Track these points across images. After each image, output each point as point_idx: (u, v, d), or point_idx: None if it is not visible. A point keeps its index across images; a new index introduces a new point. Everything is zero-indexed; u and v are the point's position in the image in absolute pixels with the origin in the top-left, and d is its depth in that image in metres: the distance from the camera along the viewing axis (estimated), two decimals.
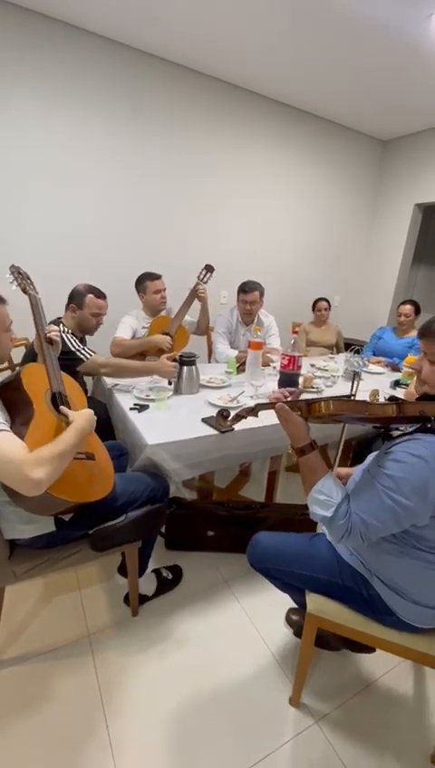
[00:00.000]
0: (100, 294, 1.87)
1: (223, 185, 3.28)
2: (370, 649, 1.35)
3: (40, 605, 1.50)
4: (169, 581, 1.60)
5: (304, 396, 1.95)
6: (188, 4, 2.17)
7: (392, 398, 0.95)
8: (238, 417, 1.11)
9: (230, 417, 1.11)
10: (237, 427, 1.46)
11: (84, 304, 1.82)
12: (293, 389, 1.11)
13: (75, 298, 1.84)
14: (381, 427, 1.06)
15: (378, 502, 0.87)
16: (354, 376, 1.08)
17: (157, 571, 1.61)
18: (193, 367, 1.83)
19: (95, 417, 1.17)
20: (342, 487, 0.96)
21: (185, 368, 1.81)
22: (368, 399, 1.16)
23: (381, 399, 1.22)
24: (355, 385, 1.04)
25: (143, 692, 1.23)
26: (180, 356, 1.82)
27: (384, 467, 0.88)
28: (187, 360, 1.81)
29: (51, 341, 1.33)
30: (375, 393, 1.82)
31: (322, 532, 1.26)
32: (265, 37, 2.42)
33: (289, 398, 1.05)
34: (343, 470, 1.26)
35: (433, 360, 0.91)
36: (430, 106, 3.18)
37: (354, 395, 1.04)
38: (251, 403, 1.11)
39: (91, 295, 1.83)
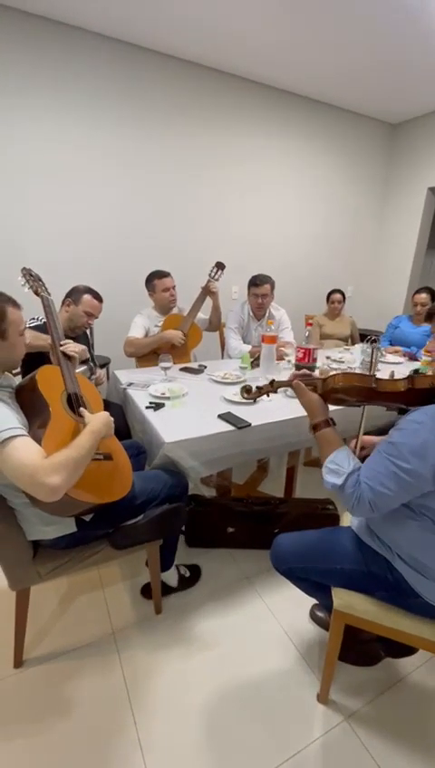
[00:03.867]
0: (97, 296, 1.90)
1: (230, 179, 3.25)
2: (411, 650, 1.32)
3: (65, 604, 1.52)
4: (186, 579, 1.59)
5: None
6: None
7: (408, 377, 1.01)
8: (260, 391, 1.19)
9: (253, 391, 1.20)
10: (254, 422, 1.46)
11: (80, 301, 1.85)
12: (309, 372, 1.22)
13: (73, 295, 1.87)
14: (405, 409, 1.05)
15: (382, 468, 0.90)
16: (373, 351, 1.15)
17: (175, 567, 1.61)
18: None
19: (112, 419, 1.16)
20: (355, 459, 1.00)
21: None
22: None
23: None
24: (374, 356, 1.13)
25: (170, 690, 1.23)
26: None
27: (389, 437, 0.93)
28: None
29: (69, 357, 1.34)
30: (392, 374, 1.80)
31: (343, 525, 1.24)
32: (266, 23, 2.37)
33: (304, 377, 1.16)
34: (368, 438, 1.30)
35: None
36: None
37: (373, 368, 1.11)
38: (261, 404, 1.25)
39: (88, 295, 1.87)
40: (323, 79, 3.07)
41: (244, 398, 1.24)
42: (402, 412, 1.12)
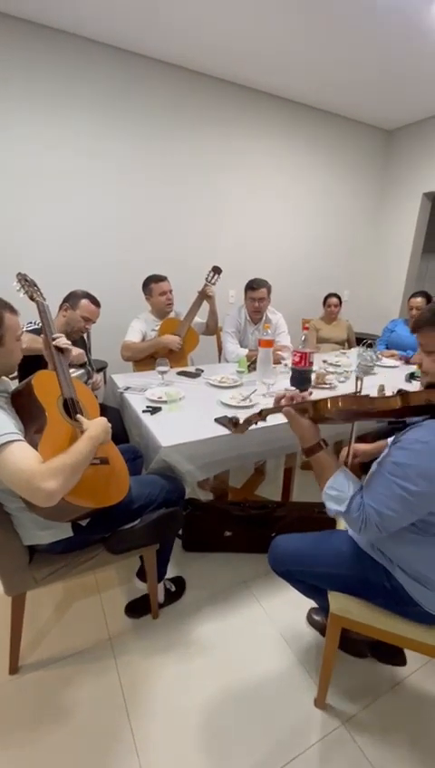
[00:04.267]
0: (95, 302, 1.91)
1: (227, 184, 3.28)
2: (400, 661, 1.33)
3: (61, 609, 1.51)
4: (172, 593, 1.56)
5: (315, 394, 1.93)
6: (185, 5, 2.17)
7: (399, 392, 0.95)
8: (248, 423, 1.12)
9: (240, 423, 1.13)
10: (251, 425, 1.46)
11: (78, 306, 1.85)
12: (296, 391, 1.12)
13: (70, 299, 1.88)
14: (394, 421, 1.04)
15: (388, 491, 0.87)
16: (357, 378, 1.07)
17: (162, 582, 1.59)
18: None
19: (110, 425, 1.16)
20: (354, 481, 0.97)
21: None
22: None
23: (388, 393, 1.20)
24: (359, 384, 1.03)
25: (166, 694, 1.23)
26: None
27: (392, 456, 0.89)
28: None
29: (62, 350, 1.34)
30: (382, 388, 1.79)
31: (341, 529, 1.24)
32: (263, 30, 2.41)
33: (295, 401, 1.06)
34: (361, 446, 1.26)
35: (428, 350, 0.92)
36: (433, 93, 3.12)
37: (359, 391, 1.04)
38: (258, 408, 1.14)
39: (86, 300, 1.87)
40: (320, 86, 3.10)
41: (231, 432, 1.17)
42: (393, 422, 1.12)
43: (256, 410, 1.20)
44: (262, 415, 1.10)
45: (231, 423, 1.14)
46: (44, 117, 2.53)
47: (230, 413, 1.56)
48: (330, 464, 0.99)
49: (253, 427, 1.29)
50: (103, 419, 1.15)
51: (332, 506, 0.95)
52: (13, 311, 1.08)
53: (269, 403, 1.64)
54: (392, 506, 0.86)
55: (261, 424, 1.46)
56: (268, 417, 1.12)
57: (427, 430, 0.86)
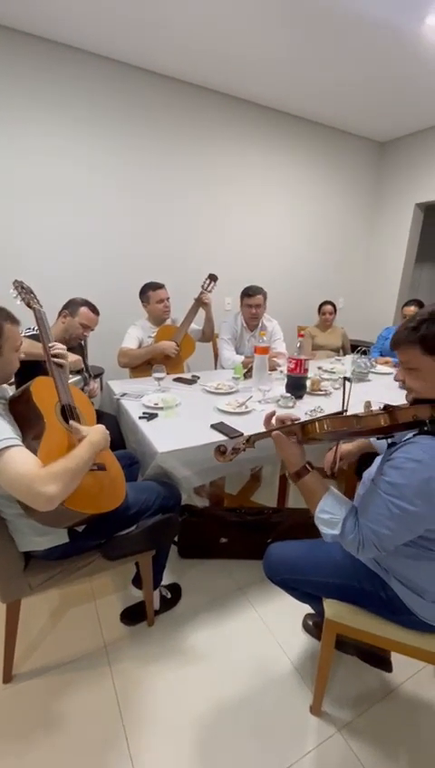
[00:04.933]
0: (94, 309, 1.93)
1: (224, 193, 3.32)
2: (387, 668, 1.33)
3: (56, 617, 1.50)
4: (168, 600, 1.56)
5: (310, 400, 1.94)
6: (184, 19, 2.22)
7: (386, 408, 0.93)
8: (236, 451, 1.07)
9: (228, 452, 1.07)
10: (246, 432, 1.47)
11: (77, 313, 1.87)
12: (291, 400, 1.10)
13: (70, 306, 1.89)
14: (383, 437, 1.04)
15: (384, 511, 0.85)
16: (344, 383, 1.01)
17: (158, 589, 1.58)
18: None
19: (108, 433, 1.17)
20: (345, 501, 0.96)
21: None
22: (361, 412, 1.11)
23: (375, 408, 1.19)
24: (347, 396, 0.99)
25: (162, 702, 1.22)
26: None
27: (386, 475, 0.88)
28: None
29: (60, 365, 1.34)
30: (368, 404, 1.77)
31: None
32: (259, 45, 2.46)
33: (283, 425, 1.05)
34: (344, 447, 1.24)
35: (409, 367, 0.90)
36: (426, 107, 3.20)
37: (346, 410, 1.01)
38: (245, 436, 1.09)
39: (85, 307, 1.89)
40: (317, 101, 3.18)
41: (218, 460, 1.08)
42: (382, 437, 1.10)
43: (253, 410, 1.17)
44: (250, 442, 1.06)
45: (218, 452, 1.08)
46: (45, 128, 2.56)
47: (226, 419, 1.58)
48: (318, 487, 0.99)
49: (249, 429, 1.29)
50: (102, 427, 1.16)
51: (326, 530, 0.94)
52: (14, 321, 1.09)
53: (266, 408, 1.65)
54: (390, 525, 0.85)
55: (257, 429, 1.48)
56: (254, 446, 1.06)
57: (419, 448, 0.84)
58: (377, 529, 0.86)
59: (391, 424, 0.89)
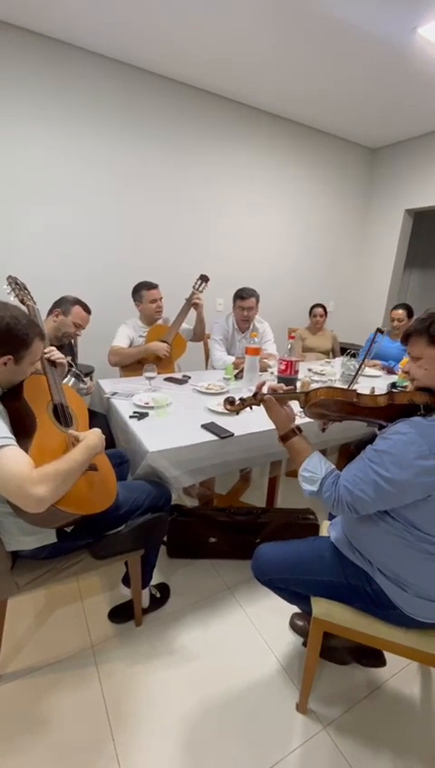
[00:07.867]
0: (86, 308, 1.92)
1: (218, 196, 3.33)
2: (380, 663, 1.35)
3: (42, 617, 1.49)
4: (157, 599, 1.56)
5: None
6: (184, 22, 2.23)
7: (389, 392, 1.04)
8: (243, 404, 1.21)
9: (236, 403, 1.22)
10: (237, 432, 1.48)
11: (69, 312, 1.86)
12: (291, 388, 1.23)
13: (62, 305, 1.88)
14: (379, 425, 1.09)
15: (363, 474, 0.93)
16: (355, 376, 1.18)
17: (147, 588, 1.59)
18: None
19: (104, 437, 1.16)
20: (327, 463, 1.04)
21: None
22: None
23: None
24: (356, 375, 1.16)
25: (149, 703, 1.22)
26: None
27: (375, 444, 0.96)
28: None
29: (54, 364, 1.33)
30: (373, 390, 1.85)
31: (323, 535, 1.26)
32: (254, 50, 2.48)
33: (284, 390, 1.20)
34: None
35: (414, 356, 0.99)
36: (417, 115, 3.26)
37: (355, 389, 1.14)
38: (254, 391, 1.23)
39: (78, 306, 1.89)
40: (310, 105, 3.20)
41: (226, 409, 1.26)
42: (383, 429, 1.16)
43: (244, 411, 1.27)
44: (257, 398, 1.18)
45: (227, 401, 1.23)
46: (45, 125, 2.54)
47: (216, 419, 1.58)
48: (305, 448, 1.08)
49: (240, 430, 1.35)
50: (98, 430, 1.15)
51: (305, 486, 1.03)
52: (42, 338, 1.10)
53: (255, 410, 1.67)
54: (365, 489, 0.92)
55: (248, 430, 1.51)
56: (256, 423, 1.19)
57: (408, 424, 0.92)
58: (352, 489, 0.94)
59: (388, 404, 1.00)
